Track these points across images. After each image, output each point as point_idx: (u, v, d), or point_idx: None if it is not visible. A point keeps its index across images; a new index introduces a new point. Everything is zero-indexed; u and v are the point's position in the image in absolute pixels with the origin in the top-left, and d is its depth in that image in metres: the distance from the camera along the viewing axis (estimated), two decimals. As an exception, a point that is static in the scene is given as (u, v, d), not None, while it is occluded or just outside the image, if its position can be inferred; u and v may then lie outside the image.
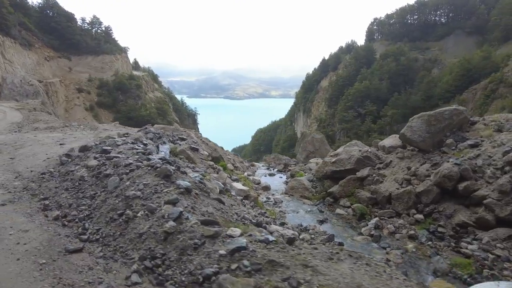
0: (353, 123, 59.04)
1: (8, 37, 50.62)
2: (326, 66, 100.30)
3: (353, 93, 65.60)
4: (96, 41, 69.66)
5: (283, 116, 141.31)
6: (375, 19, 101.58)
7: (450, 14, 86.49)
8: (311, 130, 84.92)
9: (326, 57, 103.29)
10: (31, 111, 29.98)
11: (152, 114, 60.08)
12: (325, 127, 68.61)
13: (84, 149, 7.18)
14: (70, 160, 6.86)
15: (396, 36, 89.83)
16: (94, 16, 76.62)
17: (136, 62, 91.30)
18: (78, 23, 71.53)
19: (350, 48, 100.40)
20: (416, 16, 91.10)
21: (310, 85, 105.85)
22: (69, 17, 68.30)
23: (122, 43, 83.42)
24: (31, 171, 6.93)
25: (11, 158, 8.00)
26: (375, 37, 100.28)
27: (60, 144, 9.58)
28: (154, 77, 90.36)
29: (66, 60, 63.30)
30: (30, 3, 64.17)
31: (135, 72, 76.67)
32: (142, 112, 58.97)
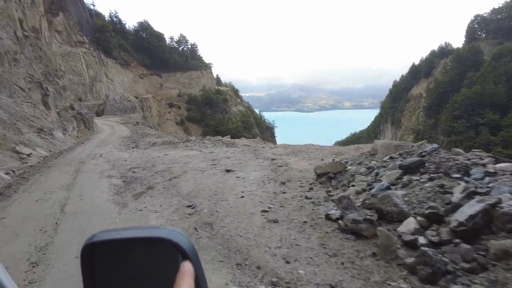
0: (465, 135, 50.27)
1: (110, 58, 54.69)
2: (417, 72, 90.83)
3: (461, 100, 56.58)
4: (183, 58, 72.30)
5: (360, 127, 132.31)
6: (477, 16, 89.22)
7: None
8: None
9: (415, 62, 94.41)
10: (135, 125, 29.91)
11: (238, 128, 59.39)
12: (428, 139, 60.19)
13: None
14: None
15: (506, 33, 77.29)
16: (181, 35, 79.96)
17: (218, 78, 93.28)
18: (167, 42, 75.22)
19: (443, 51, 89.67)
20: (532, 8, 77.49)
21: (398, 93, 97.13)
22: (160, 37, 72.23)
23: (206, 59, 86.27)
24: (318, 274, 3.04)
25: (190, 206, 4.65)
26: (477, 35, 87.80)
27: (227, 171, 6.63)
28: (235, 92, 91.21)
29: (157, 77, 66.48)
30: (127, 27, 69.35)
31: (219, 87, 77.75)
32: (229, 126, 58.59)
